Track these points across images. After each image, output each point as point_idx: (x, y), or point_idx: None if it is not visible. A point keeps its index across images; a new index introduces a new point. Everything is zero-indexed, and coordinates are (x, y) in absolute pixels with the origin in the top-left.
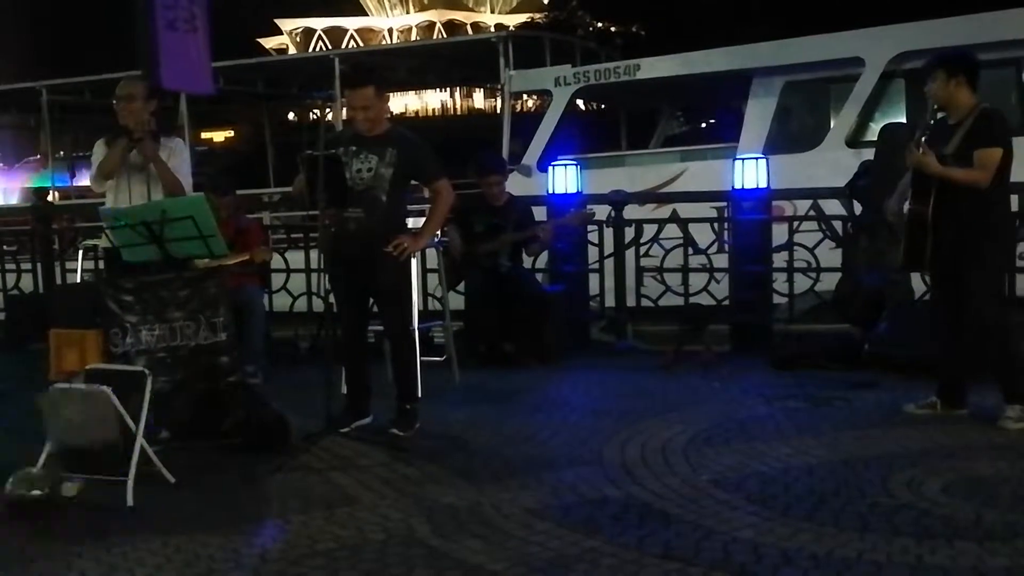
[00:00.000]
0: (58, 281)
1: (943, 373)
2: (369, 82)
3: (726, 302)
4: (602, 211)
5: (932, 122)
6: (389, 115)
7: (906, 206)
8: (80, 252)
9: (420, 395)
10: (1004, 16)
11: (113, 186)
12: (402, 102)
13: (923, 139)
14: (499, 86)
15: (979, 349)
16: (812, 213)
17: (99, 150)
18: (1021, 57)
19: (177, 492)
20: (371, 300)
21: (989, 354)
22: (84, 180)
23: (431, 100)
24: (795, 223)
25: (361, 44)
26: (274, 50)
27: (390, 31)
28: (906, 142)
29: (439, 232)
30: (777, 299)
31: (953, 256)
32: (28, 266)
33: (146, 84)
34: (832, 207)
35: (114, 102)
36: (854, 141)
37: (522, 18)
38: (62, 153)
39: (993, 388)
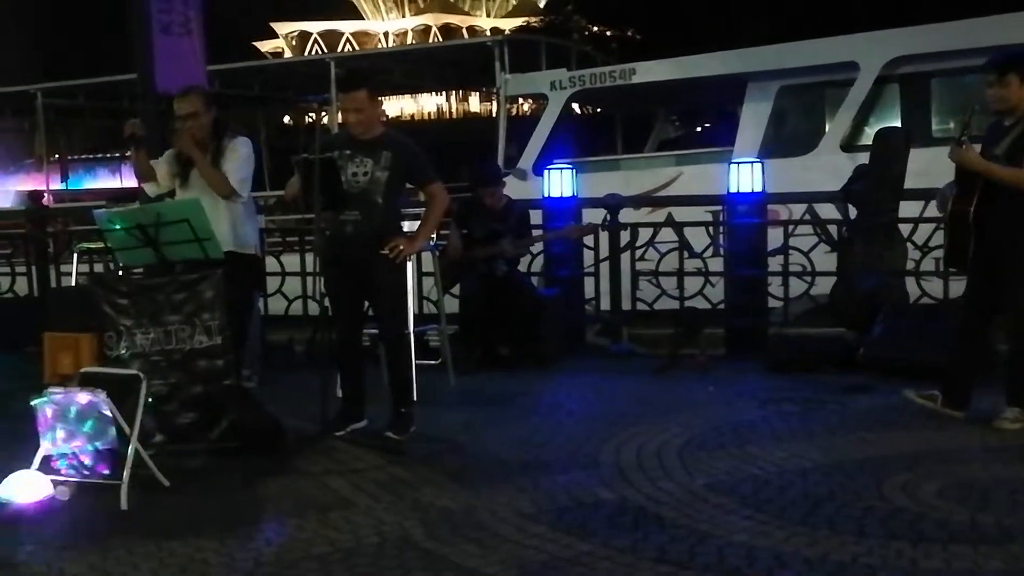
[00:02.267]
0: (53, 284)
1: (953, 372)
2: (362, 85)
3: (721, 306)
4: (597, 215)
5: (970, 120)
6: (384, 119)
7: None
8: (75, 255)
9: (415, 398)
10: (998, 21)
11: (177, 188)
12: (398, 105)
13: (964, 136)
14: (495, 90)
15: (1015, 348)
16: (807, 217)
17: (164, 157)
18: None
19: (171, 495)
20: (367, 303)
21: (1016, 354)
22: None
23: (427, 104)
24: (790, 227)
25: (357, 48)
26: (270, 53)
27: (386, 35)
28: (903, 147)
29: (435, 234)
30: (772, 303)
31: (994, 256)
32: (23, 269)
33: (203, 95)
34: (827, 211)
35: (177, 120)
36: (849, 145)
37: (518, 22)
38: (57, 156)
39: (989, 391)
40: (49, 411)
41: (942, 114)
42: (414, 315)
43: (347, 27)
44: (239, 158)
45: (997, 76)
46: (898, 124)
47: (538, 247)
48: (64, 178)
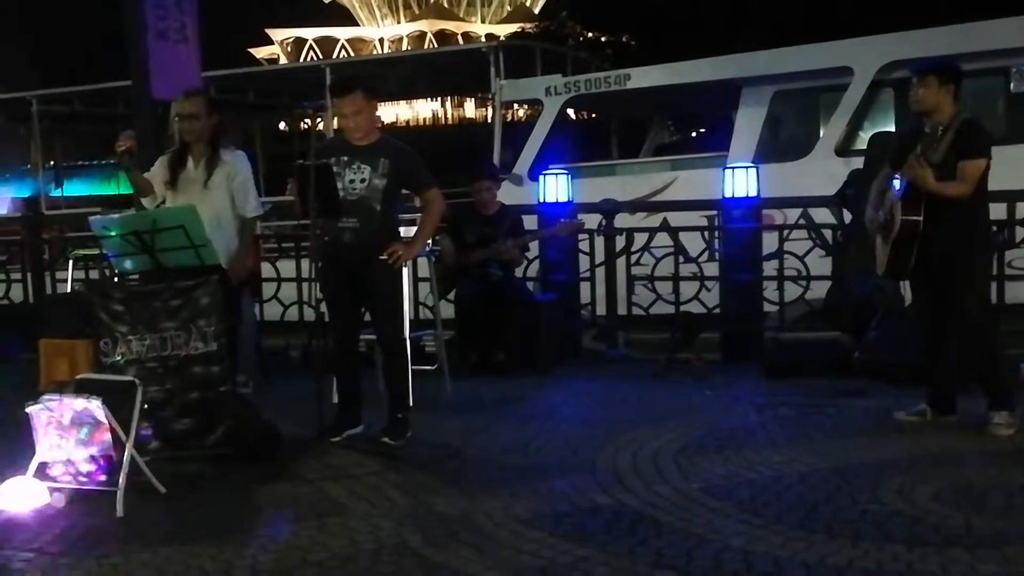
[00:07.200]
0: (48, 291)
1: (931, 381)
2: (357, 87)
3: (717, 310)
4: (593, 220)
5: (927, 132)
6: (380, 125)
7: (879, 214)
8: (70, 262)
9: (412, 404)
10: (991, 26)
11: (168, 193)
12: (393, 112)
13: (920, 152)
14: (490, 96)
15: (968, 356)
16: (802, 221)
17: (156, 166)
18: (1008, 66)
19: (167, 502)
20: (363, 309)
21: (977, 361)
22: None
23: (422, 110)
24: (785, 231)
25: (352, 54)
26: (265, 60)
27: (381, 41)
28: (894, 150)
29: (431, 241)
30: (767, 307)
31: (941, 265)
32: (18, 276)
33: (207, 99)
34: (822, 215)
35: (174, 119)
36: (843, 150)
37: (513, 28)
38: (52, 163)
39: (981, 395)
40: (44, 418)
41: None
42: (410, 320)
43: (342, 33)
44: (246, 179)
45: (920, 79)
46: (892, 128)
47: (534, 252)
48: (59, 184)
